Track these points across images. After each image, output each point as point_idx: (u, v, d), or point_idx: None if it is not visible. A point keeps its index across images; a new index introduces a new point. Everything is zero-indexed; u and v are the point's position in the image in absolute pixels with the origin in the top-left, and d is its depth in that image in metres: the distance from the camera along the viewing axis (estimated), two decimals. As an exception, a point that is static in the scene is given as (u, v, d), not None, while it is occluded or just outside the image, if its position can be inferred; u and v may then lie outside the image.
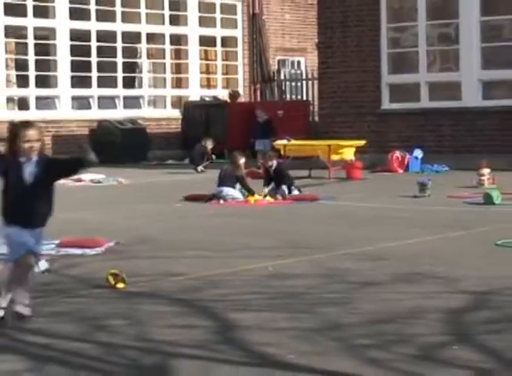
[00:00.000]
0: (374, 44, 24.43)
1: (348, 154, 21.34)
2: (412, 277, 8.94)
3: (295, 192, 17.27)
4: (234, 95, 31.20)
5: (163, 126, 30.06)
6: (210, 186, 17.11)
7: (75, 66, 29.01)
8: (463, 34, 23.62)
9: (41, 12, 28.51)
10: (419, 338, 6.65)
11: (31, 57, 28.36)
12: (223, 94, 31.76)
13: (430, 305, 7.70)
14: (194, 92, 31.91)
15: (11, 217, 7.24)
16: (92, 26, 29.47)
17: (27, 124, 7.42)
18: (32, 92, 28.48)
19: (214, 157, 23.90)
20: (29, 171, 7.27)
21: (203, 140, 24.37)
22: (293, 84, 32.97)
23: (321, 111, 26.28)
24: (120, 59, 30.20)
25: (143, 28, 30.87)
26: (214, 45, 32.86)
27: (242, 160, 17.53)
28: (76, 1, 28.97)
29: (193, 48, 32.19)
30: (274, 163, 17.80)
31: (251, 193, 16.83)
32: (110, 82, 30.18)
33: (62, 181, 21.93)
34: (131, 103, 30.70)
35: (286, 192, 16.98)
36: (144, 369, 6.10)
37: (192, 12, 31.99)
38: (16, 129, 7.31)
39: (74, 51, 29.00)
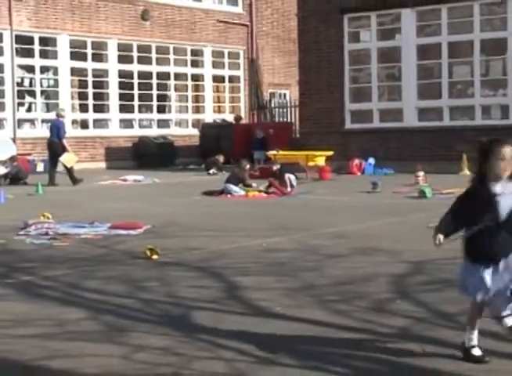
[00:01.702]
0: (339, 81, 24.42)
1: (321, 161, 21.35)
2: (366, 251, 8.94)
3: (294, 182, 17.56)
4: (237, 118, 31.19)
5: (186, 141, 30.06)
6: (220, 184, 17.12)
7: (122, 97, 29.03)
8: (404, 73, 23.64)
9: (98, 57, 28.52)
10: (371, 295, 6.66)
11: (90, 90, 28.36)
12: (230, 117, 31.75)
13: (380, 271, 7.71)
14: (208, 116, 31.92)
15: (476, 255, 4.82)
16: (135, 67, 29.48)
17: (500, 141, 4.75)
18: (91, 115, 28.50)
19: (223, 171, 23.40)
20: (505, 202, 4.68)
21: (217, 155, 24.33)
22: (281, 110, 32.99)
23: (301, 130, 26.30)
24: (154, 92, 30.21)
25: (172, 69, 30.86)
26: (223, 82, 32.89)
27: (247, 166, 17.76)
28: (122, 49, 28.97)
29: (208, 84, 32.20)
30: (278, 166, 18.28)
31: (250, 186, 17.10)
32: (148, 109, 30.24)
33: (113, 180, 21.92)
34: (163, 124, 30.72)
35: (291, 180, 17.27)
36: (172, 318, 6.11)
37: (208, 57, 32.01)
38: (489, 145, 4.72)
39: (121, 86, 29.02)
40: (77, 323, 5.93)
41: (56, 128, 20.33)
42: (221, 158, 24.31)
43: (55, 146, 20.24)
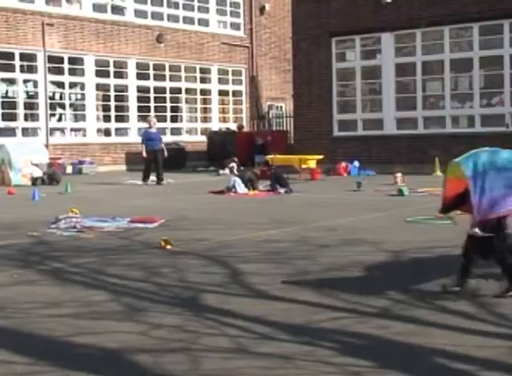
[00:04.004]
0: (328, 95, 24.41)
1: (312, 164, 21.33)
2: (352, 242, 8.92)
3: (281, 190, 16.84)
4: (240, 127, 31.15)
5: (195, 146, 30.03)
6: (224, 184, 17.08)
7: (140, 109, 29.01)
8: (384, 88, 23.63)
9: (119, 75, 28.50)
10: (357, 279, 6.64)
11: (112, 103, 28.34)
12: (233, 126, 31.72)
13: (364, 259, 7.69)
14: (215, 125, 31.90)
15: None
16: (151, 83, 29.46)
17: None
18: (113, 125, 28.49)
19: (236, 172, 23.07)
20: None
21: (231, 160, 23.98)
22: (278, 120, 32.96)
23: (295, 137, 26.26)
24: (168, 104, 30.20)
25: (183, 85, 30.85)
26: (228, 95, 32.86)
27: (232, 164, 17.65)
28: (140, 68, 28.94)
29: (214, 98, 32.18)
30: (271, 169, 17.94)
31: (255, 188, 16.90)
32: (162, 119, 30.16)
33: (132, 180, 21.89)
34: (176, 131, 30.67)
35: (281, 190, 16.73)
36: (183, 299, 6.09)
37: (214, 75, 31.99)
38: None
39: (140, 99, 28.99)
40: (101, 304, 5.91)
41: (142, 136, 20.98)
42: (232, 163, 24.12)
43: (149, 152, 20.47)
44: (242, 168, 18.76)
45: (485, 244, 5.72)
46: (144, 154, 20.62)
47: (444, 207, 6.09)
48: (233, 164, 22.69)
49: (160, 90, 29.80)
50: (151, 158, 20.37)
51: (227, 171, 23.20)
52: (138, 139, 28.61)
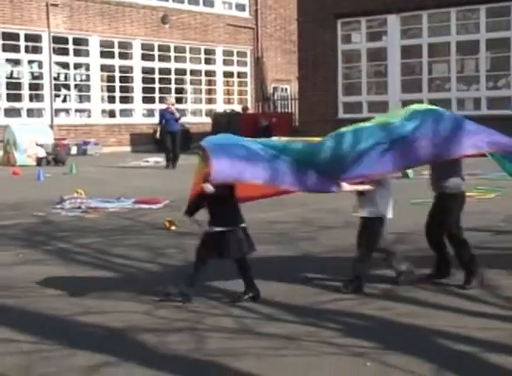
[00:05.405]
0: (334, 76, 24.32)
1: (317, 146, 21.27)
2: (354, 224, 8.89)
3: None
4: (245, 108, 31.06)
5: (200, 128, 29.97)
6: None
7: (145, 90, 28.93)
8: (390, 71, 23.54)
9: (124, 56, 28.41)
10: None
11: (117, 84, 28.28)
12: (238, 108, 31.64)
13: (368, 241, 7.68)
14: (220, 107, 31.83)
15: None
16: (156, 64, 29.38)
17: None
18: (117, 106, 28.44)
19: None
20: None
21: None
22: (283, 102, 32.89)
23: (300, 119, 26.23)
24: (173, 86, 30.12)
25: (188, 66, 30.75)
26: (233, 77, 32.76)
27: None
28: (145, 49, 28.84)
29: (219, 79, 32.09)
30: None
31: None
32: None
33: (136, 161, 21.66)
34: (180, 113, 30.58)
35: None
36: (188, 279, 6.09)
37: (219, 56, 31.88)
38: None
39: (144, 80, 28.91)
40: (106, 284, 5.94)
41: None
42: None
43: (164, 133, 20.23)
44: None
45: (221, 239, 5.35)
46: (157, 135, 20.49)
47: (189, 207, 5.84)
48: None
49: (164, 71, 29.72)
50: (168, 139, 20.24)
51: None
52: (143, 120, 28.78)
